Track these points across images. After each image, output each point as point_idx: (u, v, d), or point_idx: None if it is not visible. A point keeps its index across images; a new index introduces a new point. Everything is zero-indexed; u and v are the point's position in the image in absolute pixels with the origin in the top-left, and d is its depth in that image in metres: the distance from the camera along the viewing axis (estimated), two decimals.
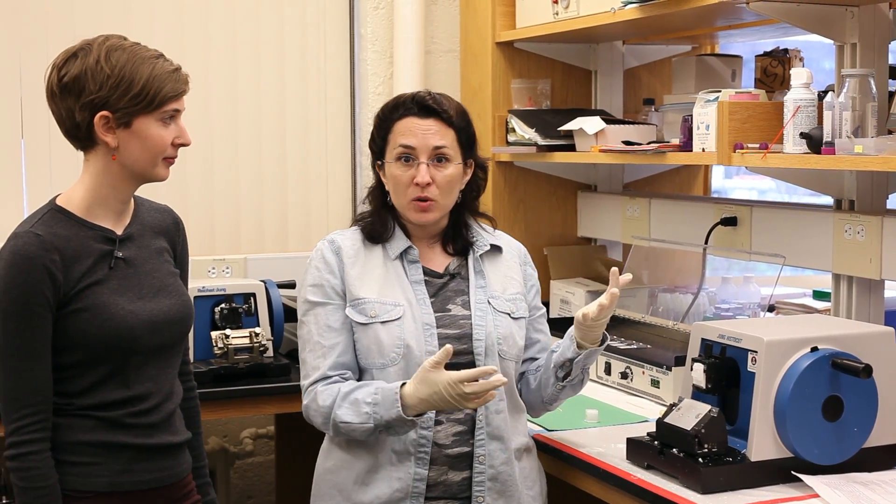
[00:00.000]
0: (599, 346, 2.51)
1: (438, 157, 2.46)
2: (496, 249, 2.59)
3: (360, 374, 2.47)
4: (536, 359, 2.62)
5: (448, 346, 2.30)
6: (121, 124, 2.18)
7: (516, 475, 2.48)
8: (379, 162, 2.54)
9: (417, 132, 2.47)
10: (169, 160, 2.26)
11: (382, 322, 2.43)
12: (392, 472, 2.41)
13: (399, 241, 2.52)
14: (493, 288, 2.53)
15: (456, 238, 2.57)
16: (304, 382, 2.48)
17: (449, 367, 2.36)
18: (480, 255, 2.56)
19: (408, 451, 2.40)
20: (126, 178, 2.24)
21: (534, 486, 2.56)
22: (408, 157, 2.47)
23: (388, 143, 2.51)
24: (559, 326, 3.64)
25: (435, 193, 2.46)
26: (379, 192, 2.57)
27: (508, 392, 2.50)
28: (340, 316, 2.46)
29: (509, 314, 2.52)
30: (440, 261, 2.56)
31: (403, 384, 2.34)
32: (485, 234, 2.60)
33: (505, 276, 2.57)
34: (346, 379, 2.45)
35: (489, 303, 2.50)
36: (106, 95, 2.16)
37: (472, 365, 2.42)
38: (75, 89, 2.17)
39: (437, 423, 2.42)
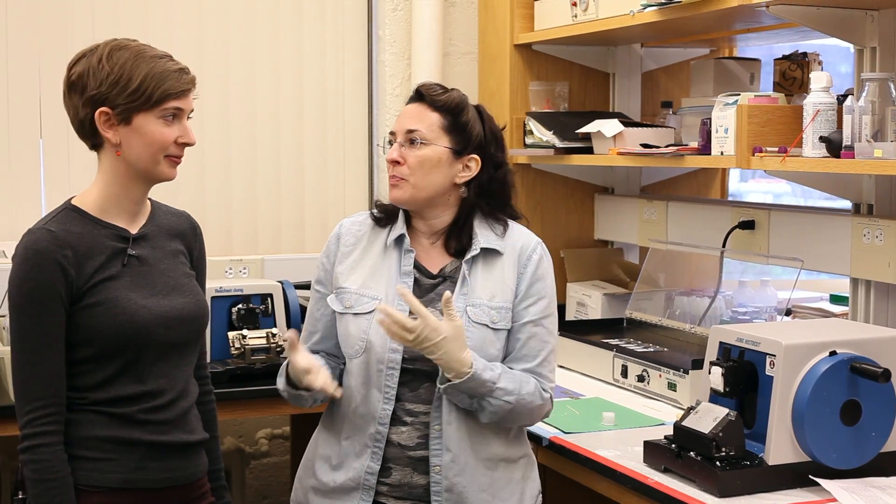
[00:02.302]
0: (461, 379, 2.29)
1: (412, 139, 2.44)
2: (493, 253, 2.44)
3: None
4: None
5: (292, 330, 2.36)
6: (121, 121, 2.21)
7: (474, 488, 2.39)
8: None
9: (400, 117, 2.49)
10: (172, 159, 2.26)
11: (355, 314, 2.44)
12: (353, 462, 2.42)
13: (397, 229, 2.49)
14: (478, 295, 2.41)
15: (456, 236, 2.47)
16: None
17: (417, 372, 2.38)
18: (472, 259, 2.43)
19: (366, 445, 2.40)
20: (133, 176, 2.26)
21: (510, 499, 2.43)
22: (391, 141, 2.49)
23: None
24: (576, 329, 3.67)
25: (405, 172, 2.43)
26: None
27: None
28: (323, 305, 2.52)
29: (488, 324, 2.39)
30: (438, 261, 2.48)
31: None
32: (485, 237, 2.45)
33: (497, 281, 2.42)
34: None
35: (466, 312, 2.39)
36: (105, 92, 2.19)
37: (435, 371, 2.36)
38: (79, 87, 2.21)
39: (402, 423, 2.40)
